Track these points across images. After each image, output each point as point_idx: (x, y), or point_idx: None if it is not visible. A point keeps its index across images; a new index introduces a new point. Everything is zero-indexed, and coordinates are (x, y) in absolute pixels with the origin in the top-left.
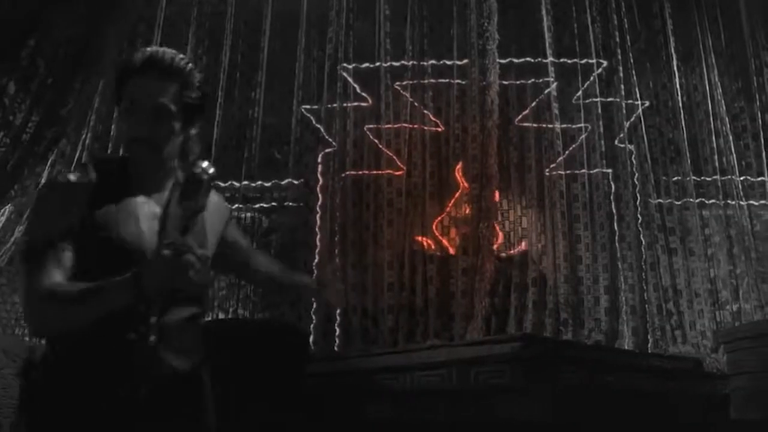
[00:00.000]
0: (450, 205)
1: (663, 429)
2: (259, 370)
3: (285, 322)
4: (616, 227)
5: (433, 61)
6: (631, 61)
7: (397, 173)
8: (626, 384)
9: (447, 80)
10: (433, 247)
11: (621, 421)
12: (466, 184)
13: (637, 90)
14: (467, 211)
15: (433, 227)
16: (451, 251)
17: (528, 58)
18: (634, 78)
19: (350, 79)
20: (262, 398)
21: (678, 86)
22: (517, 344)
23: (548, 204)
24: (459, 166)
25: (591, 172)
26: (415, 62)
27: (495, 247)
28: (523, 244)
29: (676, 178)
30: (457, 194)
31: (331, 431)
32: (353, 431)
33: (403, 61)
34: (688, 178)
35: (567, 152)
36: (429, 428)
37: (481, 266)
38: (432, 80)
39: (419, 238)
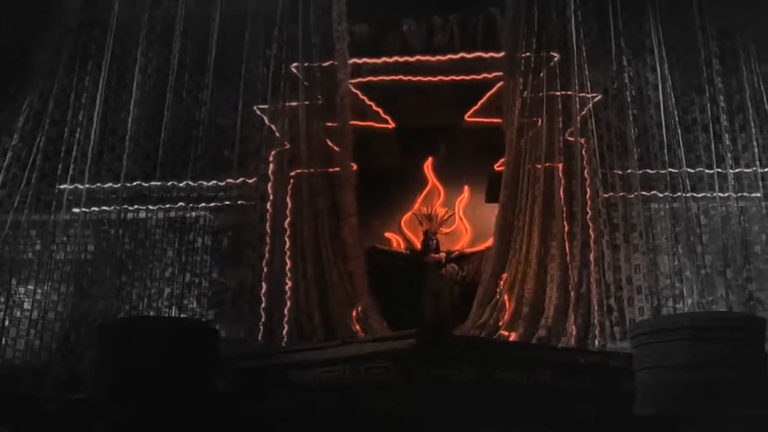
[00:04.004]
0: (419, 201)
1: (553, 424)
2: (165, 367)
3: (195, 320)
4: (565, 223)
5: (385, 58)
6: (584, 54)
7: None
8: (528, 380)
9: (399, 77)
10: (402, 244)
11: (507, 416)
12: (435, 180)
13: (588, 83)
14: (437, 207)
15: (402, 224)
16: (419, 247)
17: (480, 53)
18: (587, 71)
19: (302, 78)
20: (169, 395)
21: (628, 79)
22: (412, 341)
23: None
24: (429, 161)
25: (541, 166)
26: (367, 60)
27: (462, 245)
28: (491, 240)
29: (627, 171)
30: (426, 190)
31: (234, 425)
32: (253, 425)
33: (355, 59)
34: (634, 171)
35: (517, 146)
36: (309, 421)
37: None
38: (384, 77)
39: (387, 235)
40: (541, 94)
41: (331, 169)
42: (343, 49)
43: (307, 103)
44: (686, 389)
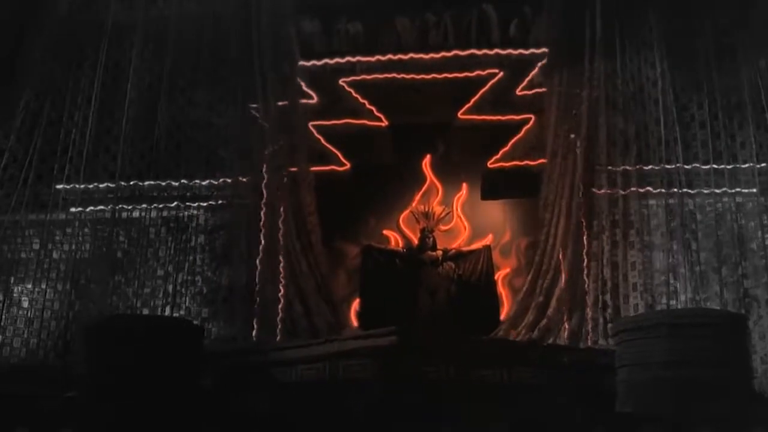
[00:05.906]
0: (417, 198)
1: (533, 423)
2: (147, 366)
3: (179, 318)
4: (563, 219)
5: (379, 57)
6: (587, 49)
7: (341, 169)
8: (508, 378)
9: (392, 75)
10: (401, 242)
11: (485, 414)
12: (434, 178)
13: (587, 80)
14: (434, 205)
15: (400, 221)
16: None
17: (473, 50)
18: (587, 67)
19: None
20: (150, 393)
21: (628, 76)
22: (392, 338)
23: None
24: (427, 159)
25: (535, 163)
26: (361, 58)
27: (460, 242)
28: (489, 237)
29: (623, 168)
30: (424, 187)
31: (219, 423)
32: (238, 422)
33: (348, 58)
34: (630, 167)
35: (510, 144)
36: (291, 419)
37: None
38: (378, 76)
39: (385, 232)
40: (576, 91)
41: (293, 168)
42: (292, 50)
43: (309, 102)
44: (665, 387)
